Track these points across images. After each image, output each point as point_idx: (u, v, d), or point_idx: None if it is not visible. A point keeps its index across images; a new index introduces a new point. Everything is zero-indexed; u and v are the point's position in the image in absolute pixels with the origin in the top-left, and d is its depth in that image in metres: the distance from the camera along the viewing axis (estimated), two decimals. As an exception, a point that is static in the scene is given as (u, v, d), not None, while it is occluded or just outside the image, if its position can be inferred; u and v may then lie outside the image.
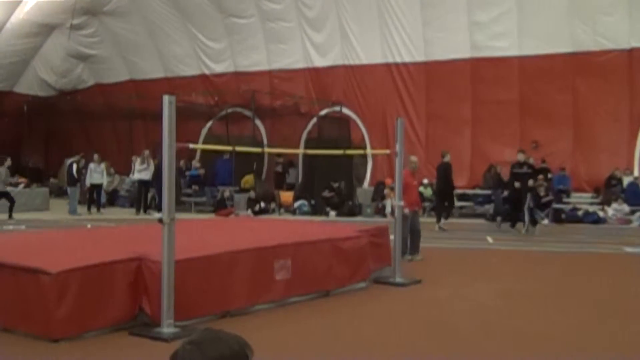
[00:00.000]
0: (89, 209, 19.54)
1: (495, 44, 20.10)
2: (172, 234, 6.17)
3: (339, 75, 22.60)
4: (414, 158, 11.78)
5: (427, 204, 18.62)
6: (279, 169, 22.78)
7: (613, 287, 9.05)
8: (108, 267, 6.23)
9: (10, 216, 17.42)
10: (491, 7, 19.98)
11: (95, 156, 20.16)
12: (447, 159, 16.20)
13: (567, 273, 10.23)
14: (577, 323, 7.00)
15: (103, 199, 20.91)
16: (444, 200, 16.66)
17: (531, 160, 16.59)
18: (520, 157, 15.61)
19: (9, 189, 18.73)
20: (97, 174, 19.97)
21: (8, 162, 18.54)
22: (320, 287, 8.04)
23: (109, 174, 21.89)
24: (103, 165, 20.40)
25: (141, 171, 20.04)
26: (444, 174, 16.13)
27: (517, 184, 15.29)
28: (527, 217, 15.19)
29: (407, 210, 10.72)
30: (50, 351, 5.67)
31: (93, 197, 20.04)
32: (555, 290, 8.69)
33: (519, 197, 15.24)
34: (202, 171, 22.53)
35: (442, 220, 16.17)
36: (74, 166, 19.51)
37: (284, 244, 7.72)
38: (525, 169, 15.44)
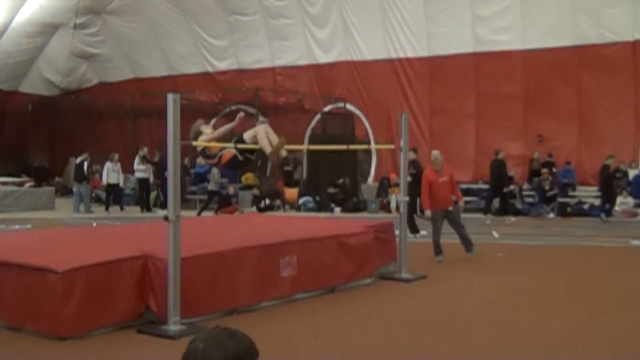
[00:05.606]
0: (106, 208, 19.64)
1: (498, 38, 20.05)
2: (177, 232, 6.18)
3: (343, 72, 22.59)
4: (435, 152, 10.77)
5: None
6: (291, 167, 22.70)
7: (621, 281, 9.02)
8: (114, 265, 6.25)
9: (217, 212, 18.12)
10: (494, 0, 19.94)
11: (113, 155, 20.06)
12: (500, 156, 16.19)
13: (574, 267, 10.19)
14: (584, 317, 6.98)
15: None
16: (496, 196, 16.52)
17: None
18: (411, 156, 13.20)
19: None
20: (114, 173, 19.94)
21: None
22: (326, 283, 8.05)
23: None
24: (120, 165, 20.37)
25: (140, 170, 20.06)
26: (498, 171, 16.07)
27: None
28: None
29: (428, 212, 10.54)
30: (58, 349, 5.69)
31: (112, 196, 20.08)
32: (562, 285, 8.67)
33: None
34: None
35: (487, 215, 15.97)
36: (85, 164, 19.61)
37: (289, 240, 7.72)
38: (411, 170, 12.79)
